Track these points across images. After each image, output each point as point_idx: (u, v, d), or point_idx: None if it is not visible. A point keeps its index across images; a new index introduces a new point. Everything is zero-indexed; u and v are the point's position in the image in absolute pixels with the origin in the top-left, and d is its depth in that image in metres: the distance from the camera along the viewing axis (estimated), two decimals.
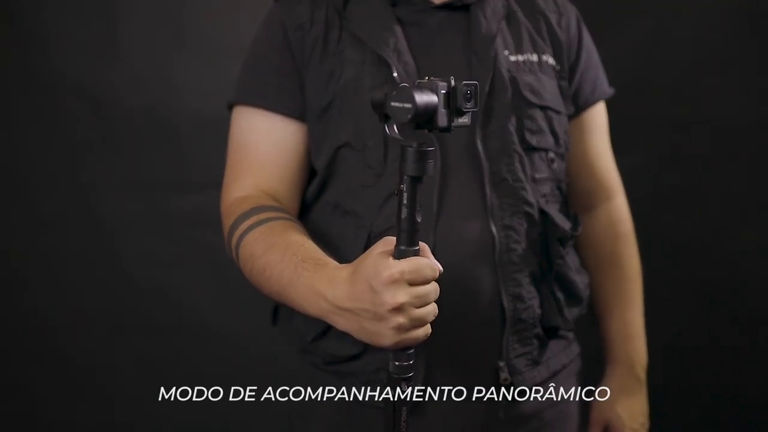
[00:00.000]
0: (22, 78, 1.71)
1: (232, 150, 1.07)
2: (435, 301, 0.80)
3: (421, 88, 0.73)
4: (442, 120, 0.74)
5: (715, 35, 1.73)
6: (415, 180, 0.75)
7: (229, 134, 1.08)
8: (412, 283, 0.77)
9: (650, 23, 1.78)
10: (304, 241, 0.94)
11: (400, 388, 0.82)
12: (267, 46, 1.06)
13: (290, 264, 0.89)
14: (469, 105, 0.74)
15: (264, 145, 1.04)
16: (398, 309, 0.77)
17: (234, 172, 1.06)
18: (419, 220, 0.77)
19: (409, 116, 0.71)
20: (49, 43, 1.70)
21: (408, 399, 0.82)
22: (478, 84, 0.74)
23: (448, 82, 0.74)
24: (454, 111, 0.74)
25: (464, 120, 0.75)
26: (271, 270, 0.92)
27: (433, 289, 0.79)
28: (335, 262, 0.88)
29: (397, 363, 0.82)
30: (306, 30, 1.03)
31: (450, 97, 0.74)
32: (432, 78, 0.75)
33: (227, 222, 1.02)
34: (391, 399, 0.82)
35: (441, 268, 0.80)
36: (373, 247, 0.80)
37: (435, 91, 0.73)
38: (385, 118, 0.76)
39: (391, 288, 0.76)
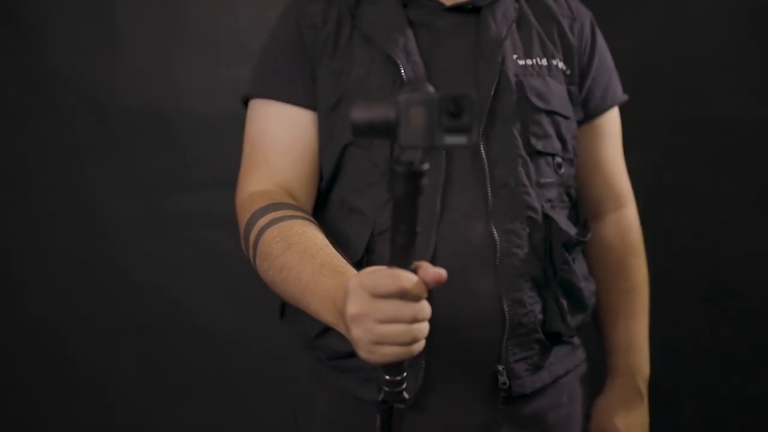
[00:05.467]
0: (22, 78, 1.70)
1: (247, 143, 1.07)
2: (428, 318, 0.73)
3: (375, 102, 0.62)
4: (406, 138, 0.60)
5: (717, 34, 1.73)
6: (406, 201, 0.64)
7: (245, 128, 1.08)
8: (376, 295, 0.70)
9: (651, 23, 1.77)
10: (324, 244, 0.90)
11: (399, 400, 0.75)
12: (281, 42, 1.07)
13: (308, 267, 0.85)
14: (459, 122, 0.60)
15: (279, 136, 1.03)
16: (354, 319, 0.71)
17: (249, 164, 1.05)
18: (413, 244, 0.68)
19: (354, 134, 0.62)
20: (49, 43, 1.69)
21: (405, 405, 0.77)
22: (470, 96, 0.60)
23: (422, 93, 0.61)
24: (437, 128, 0.60)
25: (459, 139, 0.60)
26: (288, 271, 0.88)
27: (404, 306, 0.70)
28: (354, 271, 0.82)
29: (388, 378, 0.74)
30: (318, 29, 1.03)
31: (430, 112, 0.60)
32: (414, 86, 0.62)
33: (243, 217, 1.00)
34: (388, 411, 0.76)
35: (428, 279, 0.70)
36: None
37: (394, 104, 0.60)
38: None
39: (350, 296, 0.72)
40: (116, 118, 1.75)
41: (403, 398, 0.76)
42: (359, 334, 0.72)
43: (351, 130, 0.62)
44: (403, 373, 0.74)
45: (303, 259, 0.87)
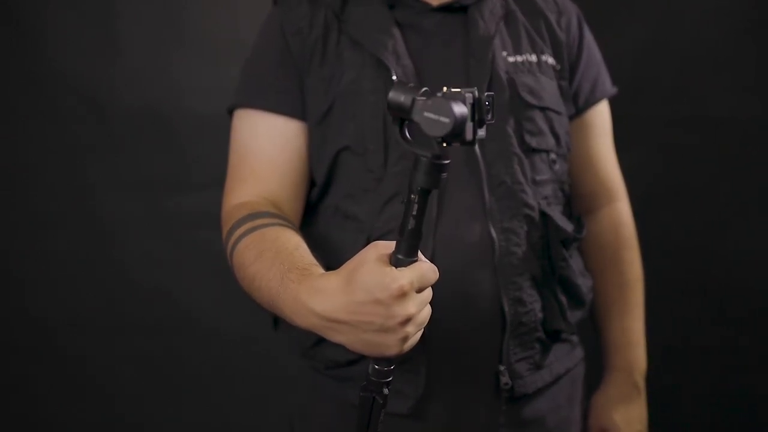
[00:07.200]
0: (22, 78, 1.70)
1: (232, 155, 1.05)
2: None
3: (450, 98, 0.68)
4: (469, 133, 0.69)
5: (712, 33, 1.73)
6: (426, 192, 0.71)
7: (230, 139, 1.06)
8: (418, 291, 0.74)
9: (648, 22, 1.78)
10: (296, 247, 0.89)
11: (379, 394, 0.78)
12: (266, 50, 1.06)
13: (277, 274, 0.84)
14: (489, 117, 0.70)
15: (265, 148, 1.02)
16: (409, 320, 0.73)
17: (234, 178, 1.04)
18: (420, 233, 0.73)
19: (446, 131, 0.66)
20: (49, 43, 1.69)
21: (385, 403, 0.79)
22: (494, 94, 0.71)
23: (473, 93, 0.69)
24: (477, 123, 0.69)
25: (482, 133, 0.70)
26: (260, 280, 0.87)
27: (430, 291, 0.76)
28: (320, 270, 0.83)
29: (377, 367, 0.78)
30: (305, 34, 1.02)
31: (475, 109, 0.69)
32: (460, 89, 0.70)
33: (225, 229, 0.99)
34: (369, 402, 0.79)
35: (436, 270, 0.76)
36: (364, 254, 0.74)
37: (464, 102, 0.68)
38: (400, 121, 0.72)
39: (402, 301, 0.72)
40: (116, 118, 1.75)
41: (384, 394, 0.78)
42: (408, 332, 0.74)
43: (451, 125, 0.66)
44: (391, 365, 0.77)
45: (272, 267, 0.85)
